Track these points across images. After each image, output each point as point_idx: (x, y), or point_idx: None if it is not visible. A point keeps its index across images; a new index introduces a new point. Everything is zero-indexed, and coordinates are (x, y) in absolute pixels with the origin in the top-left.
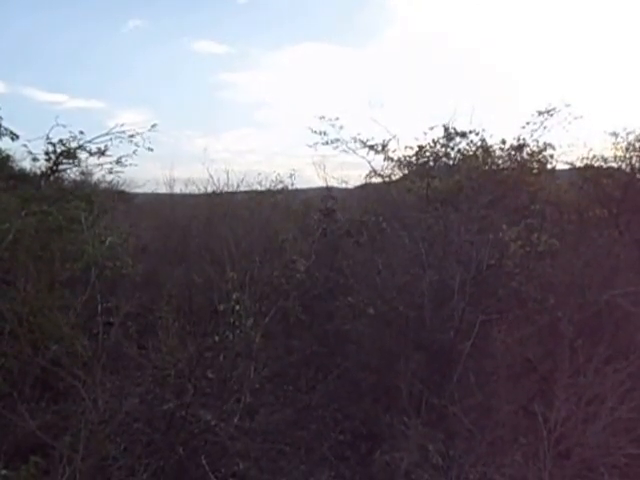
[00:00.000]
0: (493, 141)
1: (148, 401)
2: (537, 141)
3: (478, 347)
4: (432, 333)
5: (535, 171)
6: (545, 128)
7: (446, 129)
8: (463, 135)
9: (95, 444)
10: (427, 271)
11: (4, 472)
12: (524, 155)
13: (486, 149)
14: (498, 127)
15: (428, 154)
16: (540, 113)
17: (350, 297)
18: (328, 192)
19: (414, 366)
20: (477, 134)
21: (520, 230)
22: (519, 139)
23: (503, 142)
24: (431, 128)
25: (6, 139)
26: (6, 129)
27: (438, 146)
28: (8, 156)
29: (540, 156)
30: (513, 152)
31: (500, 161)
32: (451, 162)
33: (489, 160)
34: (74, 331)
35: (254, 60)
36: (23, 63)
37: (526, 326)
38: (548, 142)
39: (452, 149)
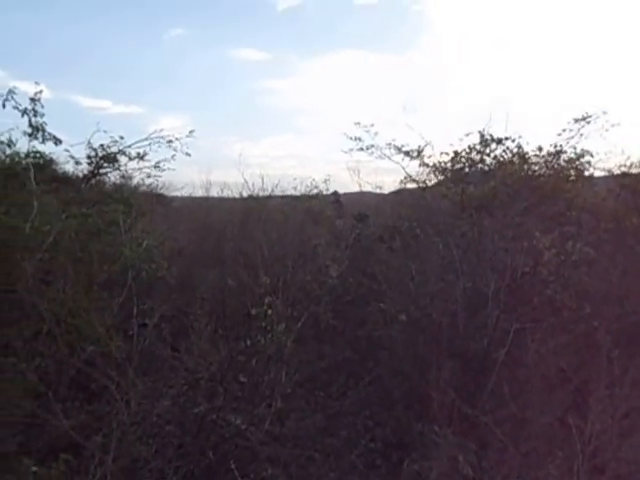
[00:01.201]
0: (529, 148)
1: (180, 404)
2: (574, 148)
3: (512, 356)
4: (465, 341)
5: (572, 178)
6: (582, 135)
7: (482, 135)
8: (499, 141)
9: (126, 445)
10: (461, 278)
11: (35, 469)
12: (561, 162)
13: (522, 156)
14: (534, 134)
15: (464, 160)
16: (577, 120)
17: (382, 303)
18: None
19: (447, 374)
20: (513, 141)
21: (554, 238)
22: (556, 146)
23: (539, 149)
24: (467, 134)
25: (50, 143)
26: (49, 134)
27: (474, 152)
28: (51, 159)
29: (577, 163)
30: (550, 159)
31: (536, 167)
32: (486, 168)
33: (525, 167)
34: (109, 332)
35: (292, 67)
36: (68, 70)
37: (561, 335)
38: (585, 149)
39: (488, 155)
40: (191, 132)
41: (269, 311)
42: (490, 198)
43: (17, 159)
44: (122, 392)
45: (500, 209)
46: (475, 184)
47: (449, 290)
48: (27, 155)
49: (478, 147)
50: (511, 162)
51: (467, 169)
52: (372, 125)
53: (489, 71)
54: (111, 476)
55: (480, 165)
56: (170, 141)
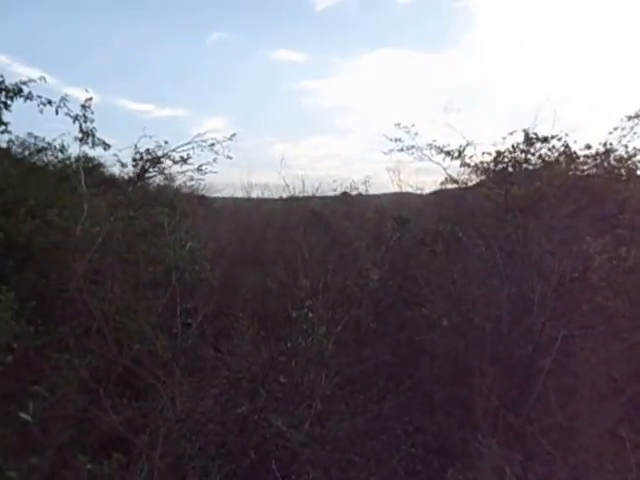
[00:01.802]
0: (577, 147)
1: (222, 403)
2: (626, 146)
3: (559, 364)
4: (509, 347)
5: (624, 178)
6: (635, 134)
7: (526, 134)
8: (545, 140)
9: (172, 443)
10: (505, 283)
11: (89, 466)
12: (611, 161)
13: (569, 155)
14: (583, 133)
15: (507, 160)
16: (630, 118)
17: (424, 308)
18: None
19: (490, 381)
20: (560, 139)
21: (606, 242)
22: (605, 144)
23: (588, 147)
24: (510, 133)
25: (99, 148)
26: (99, 139)
27: (518, 152)
28: (100, 163)
29: (629, 162)
30: (599, 158)
31: (585, 167)
32: (531, 168)
33: (573, 166)
34: (155, 332)
35: (332, 67)
36: (114, 74)
37: (613, 343)
38: (638, 147)
39: (532, 155)
40: (233, 135)
41: (310, 314)
42: (535, 199)
43: (68, 163)
44: (168, 390)
45: (547, 211)
46: (519, 185)
47: (492, 295)
48: (78, 159)
49: (522, 146)
50: (557, 161)
51: (510, 169)
52: (413, 125)
53: (535, 69)
54: (158, 472)
55: (525, 165)
56: (212, 144)
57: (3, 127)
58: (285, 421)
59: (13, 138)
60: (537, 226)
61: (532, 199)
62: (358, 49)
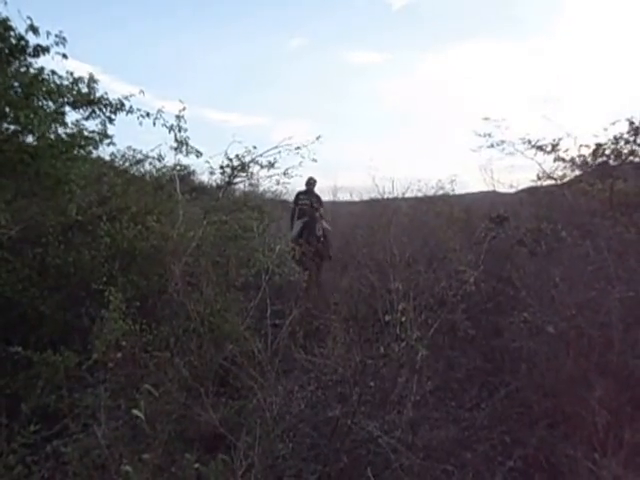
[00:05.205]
0: None
1: (313, 405)
2: None
3: None
4: (621, 357)
5: None
6: None
7: (631, 123)
8: None
9: (268, 443)
10: (616, 286)
11: (197, 465)
12: None
13: None
14: None
15: (608, 152)
16: None
17: (526, 313)
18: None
19: (599, 393)
20: None
21: None
22: None
23: None
24: (612, 123)
25: (191, 156)
26: (192, 147)
27: (621, 143)
28: (193, 171)
29: None
30: None
31: None
32: (638, 160)
33: None
34: (248, 332)
35: (410, 65)
36: (198, 85)
37: None
38: None
39: (639, 146)
40: (318, 138)
41: (403, 318)
42: None
43: (164, 171)
44: (263, 391)
45: None
46: (625, 179)
47: (601, 299)
48: (173, 168)
49: (627, 137)
50: None
51: (612, 162)
52: (503, 119)
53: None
54: (256, 471)
55: (630, 158)
56: (298, 148)
57: (108, 140)
58: (376, 426)
59: (115, 151)
60: None
61: None
62: (436, 45)
